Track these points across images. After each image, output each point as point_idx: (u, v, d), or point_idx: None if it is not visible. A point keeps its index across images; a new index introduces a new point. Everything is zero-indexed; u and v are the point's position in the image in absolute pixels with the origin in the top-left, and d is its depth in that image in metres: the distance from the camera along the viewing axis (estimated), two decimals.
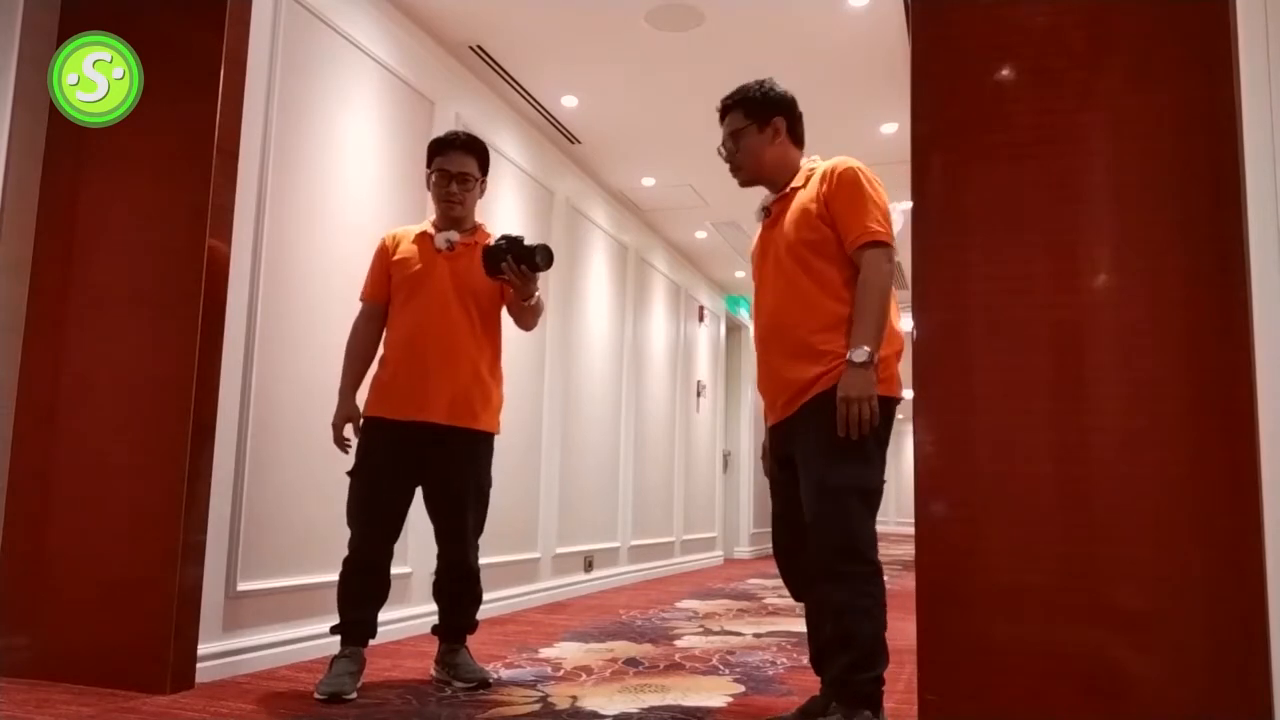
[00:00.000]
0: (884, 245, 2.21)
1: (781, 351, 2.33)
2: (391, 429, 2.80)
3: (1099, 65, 2.12)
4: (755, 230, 2.61)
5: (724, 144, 2.49)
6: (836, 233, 2.29)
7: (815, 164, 2.44)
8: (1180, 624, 1.91)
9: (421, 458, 2.83)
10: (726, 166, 2.50)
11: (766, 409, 2.45)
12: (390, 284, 2.92)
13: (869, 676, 2.15)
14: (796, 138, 2.49)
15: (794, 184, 2.42)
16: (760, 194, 2.53)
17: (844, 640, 2.15)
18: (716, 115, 2.49)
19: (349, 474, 2.83)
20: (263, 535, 3.12)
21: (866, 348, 2.16)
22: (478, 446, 2.90)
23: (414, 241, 2.95)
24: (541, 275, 2.83)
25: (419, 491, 2.91)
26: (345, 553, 2.82)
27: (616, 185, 6.26)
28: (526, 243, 2.77)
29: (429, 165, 2.97)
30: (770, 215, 2.45)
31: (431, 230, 2.95)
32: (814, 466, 2.22)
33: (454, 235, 2.92)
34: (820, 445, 2.21)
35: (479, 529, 2.93)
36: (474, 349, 2.87)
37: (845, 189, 2.28)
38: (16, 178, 2.90)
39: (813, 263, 2.30)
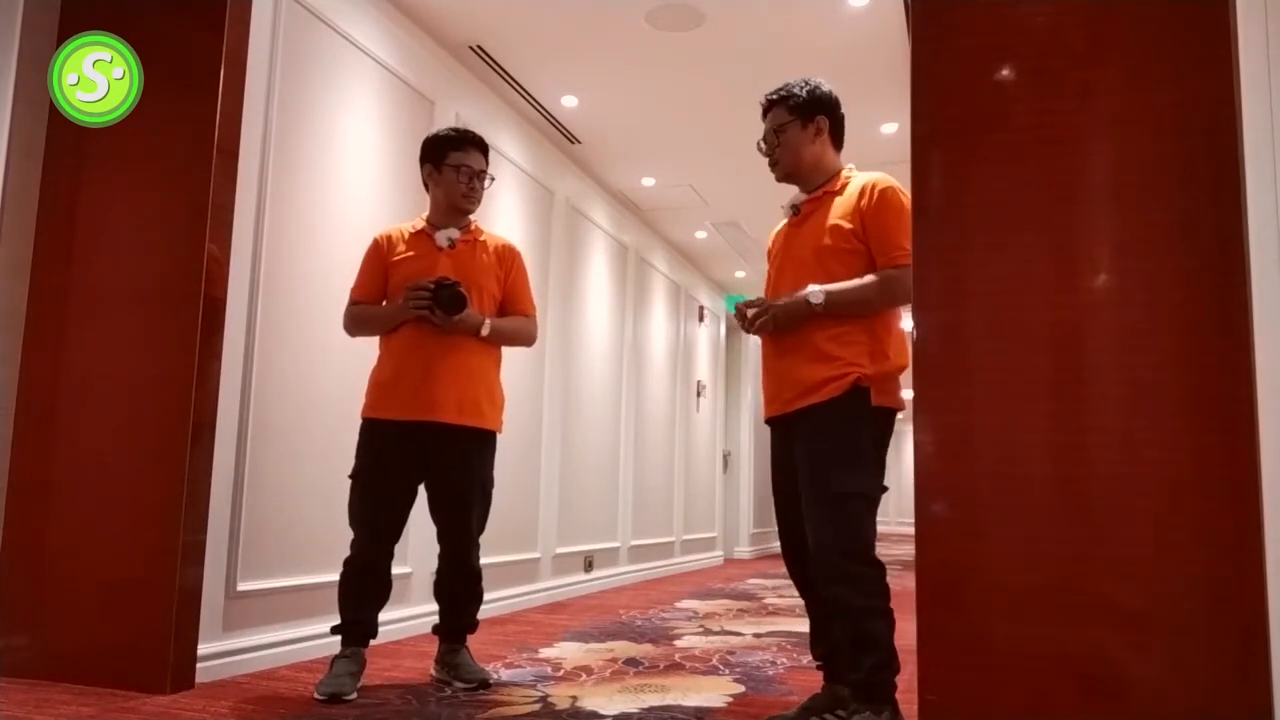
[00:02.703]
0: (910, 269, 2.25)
1: (791, 348, 2.37)
2: (395, 430, 2.79)
3: (1099, 65, 2.11)
4: (775, 226, 2.64)
5: (765, 138, 2.53)
6: (868, 248, 2.35)
7: (852, 173, 2.47)
8: (1180, 624, 1.90)
9: (425, 458, 2.82)
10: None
11: (767, 400, 2.48)
12: (387, 283, 2.91)
13: (891, 675, 2.22)
14: (836, 139, 2.52)
15: (827, 187, 2.45)
16: (789, 191, 2.56)
17: (865, 642, 2.20)
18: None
19: (351, 476, 2.83)
20: (263, 535, 3.12)
21: (825, 298, 2.28)
22: (483, 445, 2.90)
23: (411, 240, 2.94)
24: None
25: (421, 491, 2.91)
26: (345, 553, 2.82)
27: (616, 185, 6.25)
28: (445, 288, 2.75)
29: (441, 160, 2.92)
30: (799, 214, 2.48)
31: (426, 227, 2.95)
32: (820, 473, 2.27)
33: (454, 232, 2.92)
34: (828, 453, 2.27)
35: (481, 528, 2.92)
36: (480, 346, 2.87)
37: (888, 208, 2.34)
38: (16, 178, 2.90)
39: (836, 272, 2.35)
